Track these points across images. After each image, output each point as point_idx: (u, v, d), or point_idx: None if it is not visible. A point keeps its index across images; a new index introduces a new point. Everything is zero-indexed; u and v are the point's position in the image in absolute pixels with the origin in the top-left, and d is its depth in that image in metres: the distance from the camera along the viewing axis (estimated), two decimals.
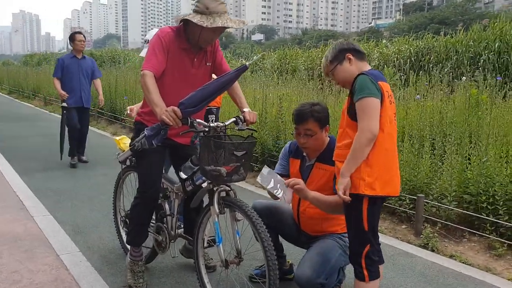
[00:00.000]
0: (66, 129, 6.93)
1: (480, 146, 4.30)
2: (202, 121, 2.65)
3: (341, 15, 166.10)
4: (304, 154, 2.99)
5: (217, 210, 2.61)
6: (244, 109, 2.89)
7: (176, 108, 2.50)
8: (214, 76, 3.02)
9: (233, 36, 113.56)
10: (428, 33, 13.80)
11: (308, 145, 2.88)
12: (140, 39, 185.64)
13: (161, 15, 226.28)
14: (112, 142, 6.85)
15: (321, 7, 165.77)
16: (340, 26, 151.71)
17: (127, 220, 3.45)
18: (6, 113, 14.10)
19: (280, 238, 3.17)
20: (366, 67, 2.44)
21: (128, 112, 3.93)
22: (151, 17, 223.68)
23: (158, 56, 2.77)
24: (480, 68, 10.09)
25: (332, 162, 2.81)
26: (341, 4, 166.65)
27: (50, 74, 18.54)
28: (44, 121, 12.18)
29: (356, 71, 2.39)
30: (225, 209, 2.64)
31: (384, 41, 14.93)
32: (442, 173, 4.33)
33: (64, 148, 6.89)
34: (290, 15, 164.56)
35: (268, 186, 2.64)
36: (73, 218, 4.49)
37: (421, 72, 10.63)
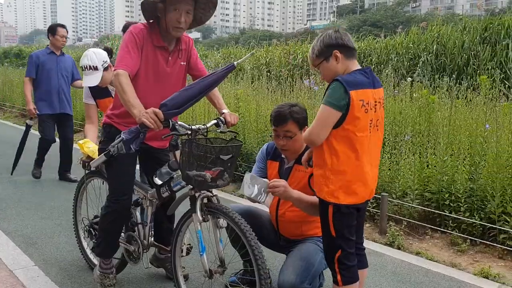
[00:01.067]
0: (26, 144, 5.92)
1: (437, 144, 4.44)
2: (184, 124, 2.50)
3: (277, 16, 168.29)
4: (283, 156, 2.92)
5: (200, 218, 2.48)
6: (224, 110, 2.77)
7: (157, 110, 2.34)
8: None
9: None
10: (365, 35, 14.28)
11: (288, 147, 2.81)
12: (72, 35, 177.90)
13: (93, 10, 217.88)
14: (55, 144, 6.48)
15: (258, 7, 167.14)
16: (277, 27, 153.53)
17: (91, 229, 3.22)
18: None
19: None
20: (354, 65, 2.30)
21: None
22: (83, 12, 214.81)
23: (132, 54, 2.59)
24: (419, 70, 10.57)
25: (311, 164, 2.77)
26: (277, 5, 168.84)
27: None
28: None
29: (342, 70, 2.28)
30: (208, 216, 2.51)
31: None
32: (402, 173, 4.42)
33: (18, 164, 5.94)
34: (227, 14, 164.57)
35: (252, 195, 2.54)
36: (21, 228, 4.14)
37: None
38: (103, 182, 3.23)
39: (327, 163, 2.24)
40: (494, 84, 5.78)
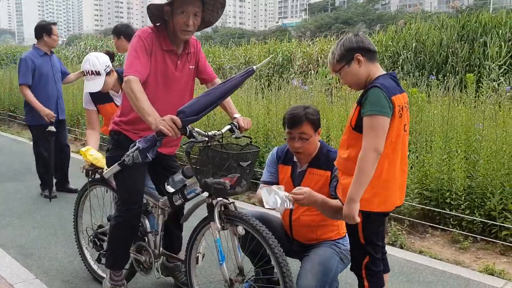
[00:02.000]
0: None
1: (434, 143, 4.48)
2: (200, 130, 2.43)
3: (248, 14, 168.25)
4: (295, 160, 2.88)
5: (219, 226, 2.42)
6: (235, 115, 2.71)
7: (175, 117, 2.27)
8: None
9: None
10: (337, 33, 14.43)
11: (303, 150, 2.77)
12: None
13: (60, 10, 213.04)
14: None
15: (229, 5, 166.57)
16: (248, 25, 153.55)
17: (96, 240, 3.12)
18: None
19: None
20: (377, 69, 2.26)
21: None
22: (50, 12, 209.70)
23: (142, 60, 2.51)
24: (400, 67, 10.71)
25: (325, 167, 2.74)
26: (248, 2, 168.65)
27: None
28: None
29: (365, 74, 2.23)
30: (227, 224, 2.46)
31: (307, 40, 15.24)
32: None
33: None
34: None
35: (278, 206, 2.46)
36: (14, 239, 3.99)
37: None
38: (107, 190, 3.13)
39: None
40: (481, 81, 5.90)
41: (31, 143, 8.41)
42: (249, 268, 2.72)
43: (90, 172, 3.04)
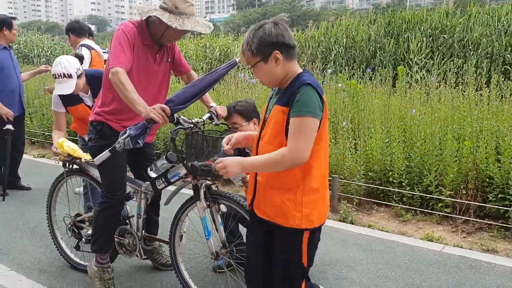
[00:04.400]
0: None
1: (374, 129, 4.96)
2: (185, 118, 2.64)
3: None
4: (247, 150, 3.17)
5: (205, 204, 2.65)
6: (212, 104, 2.94)
7: (164, 106, 2.47)
8: None
9: (60, 27, 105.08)
10: None
11: None
12: None
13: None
14: None
15: None
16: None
17: (74, 228, 3.22)
18: None
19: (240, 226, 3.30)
20: (296, 67, 1.99)
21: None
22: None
23: (126, 52, 2.67)
24: (332, 62, 11.33)
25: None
26: None
27: None
28: None
29: (283, 73, 1.95)
30: (211, 202, 2.69)
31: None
32: (350, 155, 4.87)
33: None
34: (123, 6, 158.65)
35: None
36: None
37: None
38: (82, 180, 3.24)
39: (300, 184, 1.94)
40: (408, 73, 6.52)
41: None
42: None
43: (67, 162, 3.13)
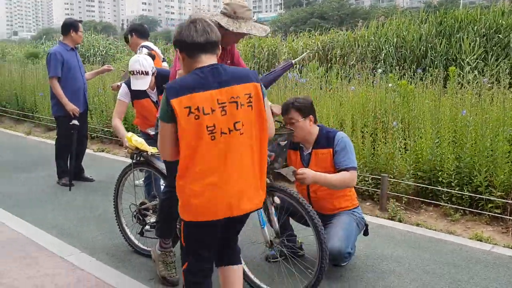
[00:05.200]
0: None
1: (425, 129, 5.00)
2: None
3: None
4: (301, 145, 3.34)
5: None
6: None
7: None
8: None
9: (113, 27, 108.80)
10: (314, 28, 14.99)
11: (295, 134, 3.20)
12: (6, 31, 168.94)
13: (29, 5, 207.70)
14: (35, 141, 6.50)
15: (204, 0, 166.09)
16: None
17: (139, 215, 3.50)
18: None
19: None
20: (198, 64, 2.08)
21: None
22: (18, 6, 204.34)
23: None
24: (382, 61, 11.28)
25: (327, 145, 3.22)
26: None
27: None
28: None
29: (184, 73, 2.14)
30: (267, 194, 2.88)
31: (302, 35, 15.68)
32: (400, 155, 4.93)
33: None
34: (172, 6, 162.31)
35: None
36: (49, 221, 4.32)
37: (329, 64, 11.61)
38: (144, 171, 3.52)
39: (180, 181, 2.19)
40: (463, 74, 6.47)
41: (27, 137, 8.61)
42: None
43: (135, 155, 3.42)
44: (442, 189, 4.56)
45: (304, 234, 3.43)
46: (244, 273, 3.01)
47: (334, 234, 3.11)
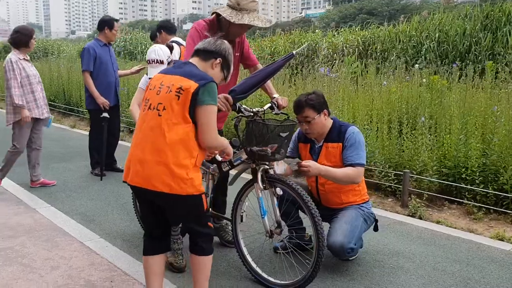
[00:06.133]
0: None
1: (451, 125, 4.86)
2: (246, 107, 2.90)
3: (271, 5, 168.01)
4: (313, 138, 3.33)
5: (261, 186, 2.89)
6: (275, 95, 3.17)
7: (227, 95, 2.74)
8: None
9: None
10: (362, 23, 14.70)
11: (311, 131, 3.23)
12: (65, 29, 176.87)
13: (86, 4, 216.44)
14: (78, 133, 6.79)
15: None
16: (272, 16, 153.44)
17: None
18: None
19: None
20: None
21: None
22: (76, 6, 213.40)
23: None
24: (423, 57, 10.97)
25: (338, 139, 3.20)
26: None
27: None
28: None
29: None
30: (268, 185, 2.92)
31: (332, 30, 15.54)
32: (421, 151, 4.83)
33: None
34: (222, 4, 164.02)
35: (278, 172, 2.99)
36: (75, 208, 4.54)
37: (369, 60, 11.40)
38: None
39: None
40: (501, 69, 6.19)
41: (72, 129, 9.02)
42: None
43: None
44: (466, 186, 4.42)
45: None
46: (247, 261, 3.07)
47: (337, 228, 3.11)
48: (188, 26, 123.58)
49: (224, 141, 2.54)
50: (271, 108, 3.06)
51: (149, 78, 3.93)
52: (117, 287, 2.98)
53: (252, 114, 2.88)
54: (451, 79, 6.36)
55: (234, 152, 3.06)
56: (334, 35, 14.12)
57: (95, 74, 5.62)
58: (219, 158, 3.14)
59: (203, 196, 2.43)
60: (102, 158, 5.77)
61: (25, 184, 5.30)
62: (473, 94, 5.63)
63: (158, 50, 3.70)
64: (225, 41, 2.48)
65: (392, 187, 4.89)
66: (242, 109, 2.84)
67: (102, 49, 5.70)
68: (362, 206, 3.31)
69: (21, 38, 4.96)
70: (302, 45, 13.74)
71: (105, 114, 5.61)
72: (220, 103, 2.70)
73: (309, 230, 3.56)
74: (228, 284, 3.03)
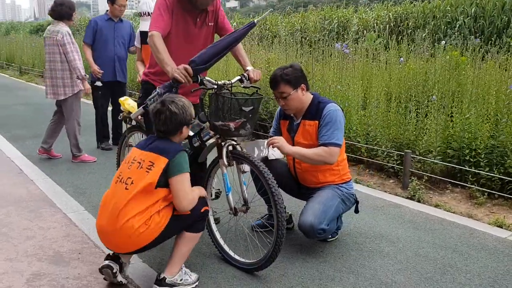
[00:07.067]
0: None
1: (462, 104, 4.55)
2: (211, 79, 2.78)
3: None
4: (292, 114, 3.17)
5: (226, 163, 2.78)
6: (248, 68, 3.02)
7: (187, 66, 2.62)
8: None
9: None
10: None
11: (288, 107, 3.07)
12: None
13: None
14: (88, 108, 6.87)
15: None
16: None
17: None
18: None
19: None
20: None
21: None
22: None
23: (164, 17, 2.86)
24: (457, 33, 10.38)
25: (314, 117, 3.03)
26: None
27: (22, 43, 18.12)
28: (24, 90, 11.99)
29: None
30: (233, 161, 2.81)
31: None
32: (427, 131, 4.56)
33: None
34: None
35: (255, 154, 2.89)
36: (72, 181, 4.59)
37: (400, 37, 10.90)
38: (142, 135, 3.59)
39: None
40: None
41: (90, 102, 9.15)
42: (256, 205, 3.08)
43: (127, 119, 3.49)
44: (470, 169, 4.14)
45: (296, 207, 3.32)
46: (215, 238, 3.00)
47: (309, 208, 2.97)
48: (231, 4, 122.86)
49: (200, 193, 2.63)
50: (241, 81, 2.92)
51: (141, 32, 3.82)
52: (83, 259, 2.98)
53: (215, 86, 2.76)
54: (473, 56, 5.97)
55: (202, 128, 2.97)
56: (366, 11, 13.60)
57: (94, 47, 5.64)
58: (190, 133, 3.05)
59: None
60: (104, 130, 5.88)
61: (32, 156, 5.42)
62: (494, 73, 5.24)
63: (149, 2, 3.58)
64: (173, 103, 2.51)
65: (395, 168, 4.66)
66: (205, 81, 2.72)
67: (106, 24, 5.63)
68: (341, 186, 3.14)
69: (66, 11, 5.03)
70: (333, 21, 13.34)
71: (98, 83, 5.63)
72: (180, 74, 2.59)
73: (289, 209, 3.48)
74: (196, 262, 2.96)
